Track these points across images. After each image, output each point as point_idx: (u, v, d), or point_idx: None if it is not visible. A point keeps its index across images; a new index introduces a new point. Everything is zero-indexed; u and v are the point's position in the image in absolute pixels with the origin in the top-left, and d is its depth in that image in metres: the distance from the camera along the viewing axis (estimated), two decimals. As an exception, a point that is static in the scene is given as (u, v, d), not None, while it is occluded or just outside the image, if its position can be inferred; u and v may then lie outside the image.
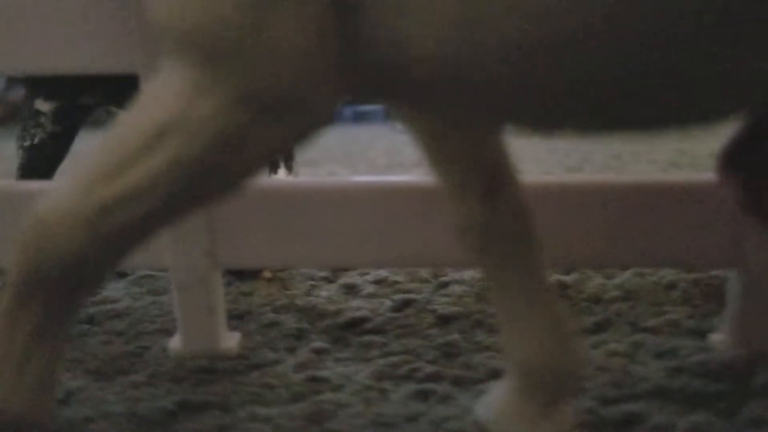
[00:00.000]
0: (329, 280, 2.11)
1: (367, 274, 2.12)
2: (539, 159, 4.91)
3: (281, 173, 2.58)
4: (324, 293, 2.00)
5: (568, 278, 2.00)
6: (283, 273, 2.15)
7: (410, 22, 0.69)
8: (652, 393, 1.36)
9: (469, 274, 2.03)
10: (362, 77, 0.77)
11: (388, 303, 1.90)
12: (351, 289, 2.02)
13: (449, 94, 0.79)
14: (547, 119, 0.82)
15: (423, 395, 1.39)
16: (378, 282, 2.06)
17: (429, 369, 1.49)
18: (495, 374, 1.47)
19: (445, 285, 2.01)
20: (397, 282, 2.05)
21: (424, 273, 2.09)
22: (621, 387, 1.39)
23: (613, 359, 1.51)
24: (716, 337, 1.59)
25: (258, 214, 1.57)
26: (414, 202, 1.55)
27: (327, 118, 0.80)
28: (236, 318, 1.82)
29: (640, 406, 1.31)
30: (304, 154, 2.83)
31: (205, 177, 0.78)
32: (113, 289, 2.06)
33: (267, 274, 2.12)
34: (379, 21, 0.70)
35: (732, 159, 0.95)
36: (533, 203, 1.52)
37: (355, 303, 1.92)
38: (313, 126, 0.80)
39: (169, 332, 1.71)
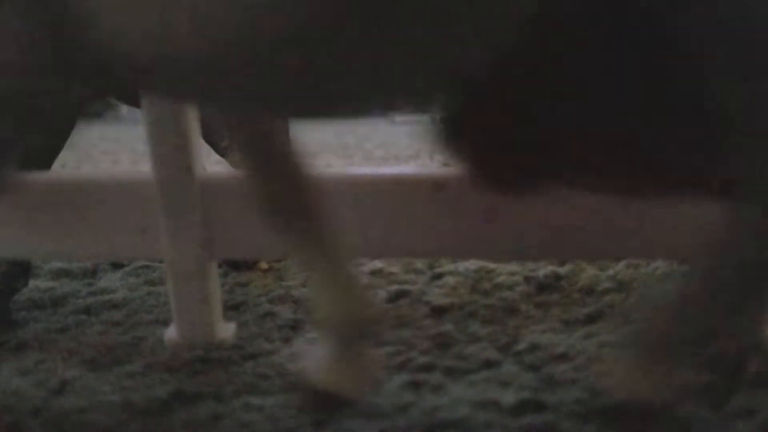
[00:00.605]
0: (325, 271, 2.12)
1: (363, 265, 2.13)
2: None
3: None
4: (319, 284, 2.01)
5: (561, 269, 2.01)
6: (279, 264, 2.15)
7: (106, 32, 0.79)
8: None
9: (463, 265, 2.04)
10: (89, 78, 0.88)
11: (382, 294, 1.91)
12: (346, 281, 2.03)
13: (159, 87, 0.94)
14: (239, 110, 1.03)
15: (415, 385, 1.40)
16: (373, 273, 2.07)
17: (422, 359, 1.50)
18: (488, 365, 1.49)
19: (440, 276, 2.02)
20: (392, 273, 2.06)
21: (419, 264, 2.10)
22: (612, 378, 1.40)
23: (605, 350, 1.53)
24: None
25: (254, 205, 1.58)
26: (409, 194, 1.56)
27: (68, 113, 0.94)
28: (232, 308, 1.83)
29: (631, 396, 1.32)
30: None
31: None
32: (110, 280, 2.07)
33: (263, 265, 2.13)
34: (86, 33, 0.79)
35: (450, 136, 1.07)
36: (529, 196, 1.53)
37: (350, 294, 1.93)
38: (54, 120, 0.98)
39: (164, 323, 1.72)
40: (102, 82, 0.93)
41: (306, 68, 0.78)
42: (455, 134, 1.06)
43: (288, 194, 1.20)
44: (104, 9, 0.76)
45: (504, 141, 1.06)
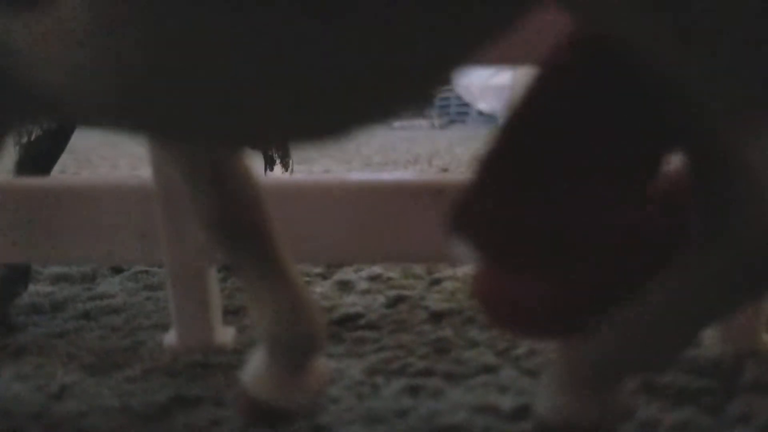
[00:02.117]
0: (324, 277, 2.13)
1: (361, 270, 2.14)
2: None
3: (277, 170, 2.60)
4: (318, 289, 2.01)
5: (560, 275, 2.02)
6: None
7: (32, 72, 0.80)
8: (639, 388, 1.38)
9: (461, 271, 2.05)
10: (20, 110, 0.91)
11: (381, 299, 1.91)
12: (345, 286, 2.04)
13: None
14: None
15: (414, 390, 1.40)
16: (372, 278, 2.07)
17: (421, 364, 1.51)
18: (486, 369, 1.49)
19: (438, 281, 2.03)
20: (390, 278, 2.07)
21: (418, 269, 2.11)
22: (610, 383, 1.41)
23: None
24: (704, 333, 1.60)
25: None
26: (408, 199, 1.57)
27: None
28: (231, 313, 1.83)
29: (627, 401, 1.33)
30: (299, 152, 2.85)
31: None
32: (109, 285, 2.08)
33: (262, 270, 2.13)
34: (14, 70, 0.81)
35: (464, 218, 1.01)
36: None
37: (349, 299, 1.93)
38: None
39: (164, 327, 1.72)
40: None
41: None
42: (463, 223, 1.01)
43: (234, 211, 1.18)
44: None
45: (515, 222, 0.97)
